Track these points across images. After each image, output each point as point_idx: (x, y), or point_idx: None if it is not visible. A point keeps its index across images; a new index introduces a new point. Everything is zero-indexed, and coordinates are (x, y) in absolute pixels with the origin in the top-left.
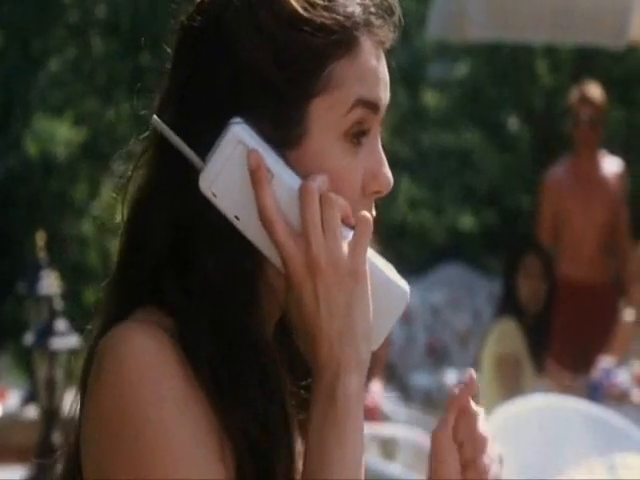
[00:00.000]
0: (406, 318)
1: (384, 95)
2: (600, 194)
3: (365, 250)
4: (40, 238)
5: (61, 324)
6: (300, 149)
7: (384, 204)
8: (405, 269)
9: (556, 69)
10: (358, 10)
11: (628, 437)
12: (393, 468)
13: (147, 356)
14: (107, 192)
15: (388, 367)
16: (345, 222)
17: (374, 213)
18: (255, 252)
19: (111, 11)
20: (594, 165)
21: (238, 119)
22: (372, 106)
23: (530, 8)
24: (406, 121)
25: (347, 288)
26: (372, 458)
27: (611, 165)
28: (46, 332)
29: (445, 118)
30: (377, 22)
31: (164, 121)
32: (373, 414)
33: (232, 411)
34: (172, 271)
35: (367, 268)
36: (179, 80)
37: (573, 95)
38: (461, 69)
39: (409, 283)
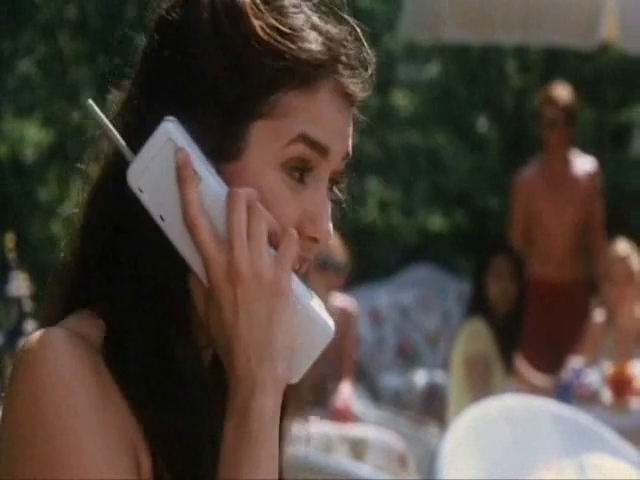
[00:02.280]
0: (376, 319)
1: (339, 146)
2: (572, 194)
3: (289, 266)
4: (9, 239)
5: (30, 325)
6: (236, 164)
7: (353, 205)
8: (374, 270)
9: (526, 69)
10: (321, 49)
11: (598, 437)
12: (363, 469)
13: (62, 364)
14: (76, 193)
15: (357, 368)
16: (271, 241)
17: (311, 257)
18: (181, 258)
19: (80, 12)
20: (566, 165)
21: (171, 117)
22: (318, 147)
23: (501, 9)
24: (375, 121)
25: (268, 300)
26: (342, 459)
27: (584, 164)
28: (15, 333)
29: (414, 118)
30: (344, 71)
31: (124, 118)
32: (343, 415)
33: (158, 422)
34: (108, 274)
35: (294, 296)
36: (139, 75)
37: (540, 95)
38: (431, 70)
39: (379, 284)
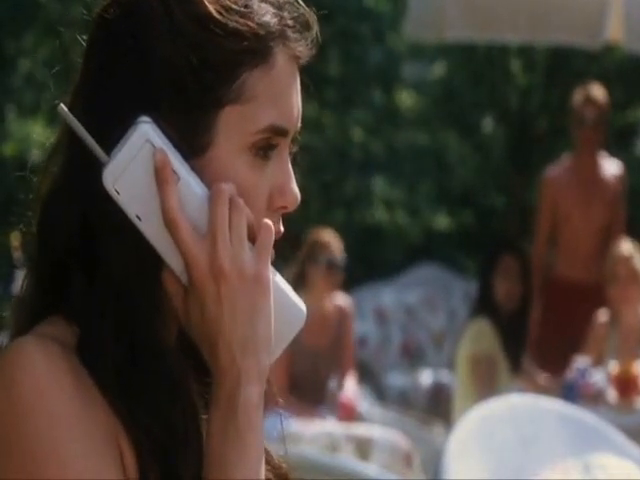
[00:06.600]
0: (381, 318)
1: (296, 116)
2: (600, 195)
3: (269, 258)
4: (15, 238)
5: None
6: (205, 157)
7: (359, 204)
8: (380, 269)
9: (531, 69)
10: (274, 21)
11: (603, 437)
12: (369, 468)
13: (37, 372)
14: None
15: (363, 367)
16: (248, 234)
17: (282, 229)
18: (156, 255)
19: (86, 10)
20: (595, 166)
21: (146, 118)
22: (283, 132)
23: (507, 8)
24: (381, 121)
25: (251, 294)
26: (347, 458)
27: (611, 166)
28: None
29: (420, 118)
30: (293, 35)
31: (74, 114)
32: (348, 411)
33: (137, 415)
34: (80, 275)
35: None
36: (90, 73)
37: (577, 95)
38: (436, 69)
39: (384, 283)
